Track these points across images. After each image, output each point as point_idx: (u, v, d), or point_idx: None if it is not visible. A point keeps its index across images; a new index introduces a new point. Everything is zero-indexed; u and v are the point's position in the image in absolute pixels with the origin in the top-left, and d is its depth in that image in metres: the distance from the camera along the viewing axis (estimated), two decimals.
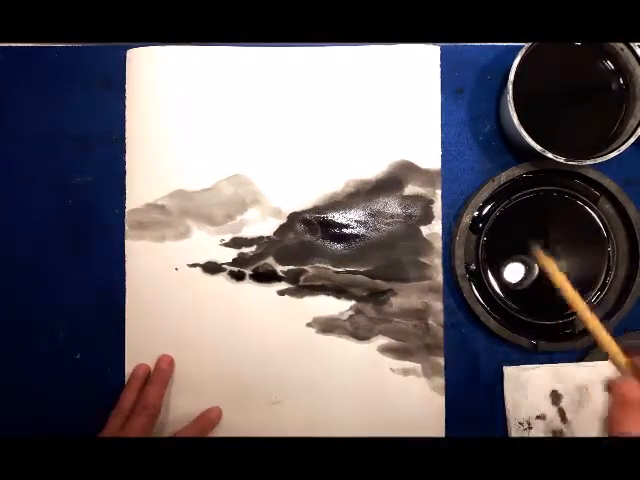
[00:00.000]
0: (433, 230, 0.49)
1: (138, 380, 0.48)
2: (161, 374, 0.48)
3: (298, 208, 0.50)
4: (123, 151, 0.50)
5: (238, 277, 0.49)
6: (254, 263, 0.50)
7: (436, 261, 0.49)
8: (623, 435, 0.32)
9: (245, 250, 0.50)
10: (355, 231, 0.50)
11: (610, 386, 0.34)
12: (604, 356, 0.49)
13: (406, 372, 0.49)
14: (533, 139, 0.44)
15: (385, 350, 0.49)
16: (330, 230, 0.50)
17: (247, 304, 0.49)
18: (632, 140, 0.44)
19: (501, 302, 0.48)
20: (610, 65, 0.47)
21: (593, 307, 0.48)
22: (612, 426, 0.34)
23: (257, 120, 0.50)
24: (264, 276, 0.49)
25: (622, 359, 0.35)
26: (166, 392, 0.49)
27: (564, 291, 0.40)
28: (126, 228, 0.49)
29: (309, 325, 0.49)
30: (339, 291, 0.49)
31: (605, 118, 0.47)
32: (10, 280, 0.50)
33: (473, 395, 0.49)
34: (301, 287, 0.49)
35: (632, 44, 0.44)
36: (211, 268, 0.49)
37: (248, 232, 0.50)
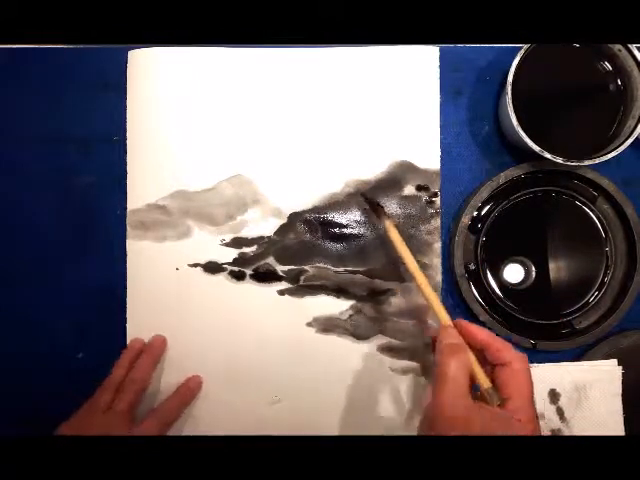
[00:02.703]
0: (432, 230, 0.50)
1: (133, 352, 0.48)
2: (152, 350, 0.49)
3: (298, 208, 0.50)
4: (124, 152, 0.50)
5: (239, 277, 0.50)
6: (254, 263, 0.50)
7: (435, 261, 0.49)
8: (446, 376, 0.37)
9: (246, 250, 0.50)
10: (355, 231, 0.50)
11: (435, 340, 0.41)
12: (603, 355, 0.49)
13: (405, 371, 0.49)
14: (532, 140, 0.44)
15: (385, 349, 0.49)
16: (330, 230, 0.50)
17: (247, 304, 0.50)
18: (630, 141, 0.44)
19: (500, 302, 0.49)
20: (608, 66, 0.47)
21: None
22: (440, 364, 0.38)
23: (257, 121, 0.50)
24: (264, 276, 0.50)
25: (444, 316, 0.41)
26: (165, 390, 0.49)
27: (404, 258, 0.44)
28: (127, 228, 0.50)
29: (309, 325, 0.50)
30: (339, 291, 0.50)
31: (603, 119, 0.47)
32: (12, 280, 0.50)
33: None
34: (301, 287, 0.50)
35: (630, 45, 0.45)
36: (212, 268, 0.50)
37: (248, 232, 0.50)
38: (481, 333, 0.40)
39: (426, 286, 0.42)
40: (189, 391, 0.49)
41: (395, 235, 0.45)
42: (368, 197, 0.49)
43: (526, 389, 0.37)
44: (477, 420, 0.36)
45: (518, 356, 0.38)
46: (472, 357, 0.39)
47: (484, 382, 0.38)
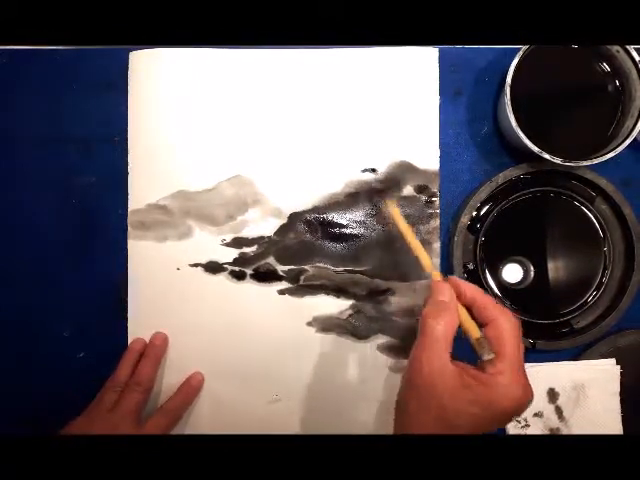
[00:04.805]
0: (431, 230, 0.50)
1: (134, 354, 0.49)
2: (155, 350, 0.49)
3: (298, 208, 0.50)
4: (125, 152, 0.50)
5: (239, 277, 0.50)
6: (255, 263, 0.50)
7: (434, 261, 0.50)
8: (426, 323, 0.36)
9: (246, 250, 0.50)
10: (354, 231, 0.50)
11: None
12: (601, 355, 0.49)
13: (405, 370, 0.49)
14: (530, 140, 0.44)
15: (384, 349, 0.50)
16: (330, 230, 0.50)
17: (248, 303, 0.50)
18: (628, 141, 0.44)
19: (499, 301, 0.49)
20: (606, 67, 0.47)
21: None
22: (424, 318, 0.37)
23: (258, 121, 0.50)
24: (265, 276, 0.50)
25: (437, 273, 0.40)
26: (167, 390, 0.49)
27: (405, 234, 0.43)
28: (128, 228, 0.50)
29: (309, 324, 0.50)
30: (339, 290, 0.50)
31: (601, 119, 0.47)
32: (14, 280, 0.51)
33: None
34: (301, 286, 0.50)
35: (628, 47, 0.45)
36: (212, 268, 0.50)
37: (249, 232, 0.50)
38: (470, 289, 0.38)
39: (419, 249, 0.42)
40: (192, 389, 0.49)
41: (396, 212, 0.46)
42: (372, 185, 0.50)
43: (510, 349, 0.35)
44: (454, 380, 0.35)
45: (503, 312, 0.36)
46: (463, 312, 0.37)
47: (474, 332, 0.36)
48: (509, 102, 0.44)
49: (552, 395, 0.50)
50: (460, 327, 0.37)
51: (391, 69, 0.50)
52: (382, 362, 0.50)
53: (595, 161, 0.44)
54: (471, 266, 0.49)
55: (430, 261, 0.41)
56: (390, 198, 0.49)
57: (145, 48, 0.50)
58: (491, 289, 0.49)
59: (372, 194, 0.50)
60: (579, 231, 0.49)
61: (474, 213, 0.49)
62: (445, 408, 0.34)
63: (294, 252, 0.50)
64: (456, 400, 0.34)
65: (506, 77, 0.44)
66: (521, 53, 0.44)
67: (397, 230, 0.45)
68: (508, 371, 0.34)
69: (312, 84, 0.50)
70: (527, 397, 0.35)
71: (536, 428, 0.50)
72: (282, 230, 0.50)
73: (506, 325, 0.36)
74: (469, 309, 0.38)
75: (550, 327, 0.49)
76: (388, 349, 0.50)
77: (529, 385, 0.35)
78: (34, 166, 0.51)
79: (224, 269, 0.50)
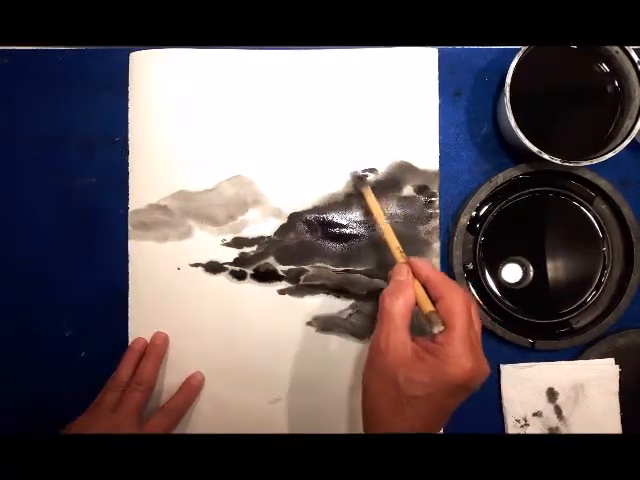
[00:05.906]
0: (431, 230, 0.50)
1: (135, 353, 0.49)
2: (156, 349, 0.49)
3: (298, 208, 0.50)
4: (126, 152, 0.50)
5: (239, 277, 0.50)
6: (255, 263, 0.50)
7: (434, 261, 0.50)
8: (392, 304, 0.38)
9: (246, 250, 0.50)
10: (354, 231, 0.50)
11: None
12: (600, 354, 0.50)
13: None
14: (530, 140, 0.44)
15: None
16: (330, 230, 0.50)
17: (248, 303, 0.50)
18: (627, 141, 0.44)
19: (498, 301, 0.49)
20: (605, 68, 0.47)
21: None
22: (382, 296, 0.39)
23: (258, 122, 0.50)
24: (265, 275, 0.50)
25: (399, 253, 0.42)
26: (168, 390, 0.49)
27: (374, 214, 0.46)
28: (129, 228, 0.50)
29: (309, 324, 0.50)
30: (339, 290, 0.50)
31: (601, 120, 0.47)
32: (16, 280, 0.51)
33: None
34: (301, 286, 0.50)
35: (627, 47, 0.45)
36: (213, 268, 0.50)
37: (249, 232, 0.50)
38: (425, 269, 0.40)
39: (388, 231, 0.44)
40: (192, 388, 0.49)
41: (371, 198, 0.47)
42: (352, 172, 0.50)
43: (459, 321, 0.36)
44: (408, 353, 0.37)
45: (454, 289, 0.38)
46: (419, 290, 0.39)
47: (426, 307, 0.38)
48: (508, 102, 0.44)
49: (551, 395, 0.50)
50: (417, 304, 0.39)
51: (391, 69, 0.50)
52: None
53: (594, 161, 0.44)
54: (471, 266, 0.49)
55: (396, 244, 0.43)
56: (365, 184, 0.48)
57: (145, 48, 0.50)
58: (490, 289, 0.49)
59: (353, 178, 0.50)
60: (578, 231, 0.49)
61: (474, 213, 0.49)
62: (399, 379, 0.36)
63: (294, 252, 0.50)
64: (409, 370, 0.36)
65: (506, 77, 0.44)
66: (521, 53, 0.44)
67: (369, 212, 0.48)
68: (457, 341, 0.36)
69: (312, 84, 0.50)
70: (479, 370, 0.36)
71: (535, 427, 0.50)
72: (282, 230, 0.50)
73: (456, 300, 0.37)
74: (425, 287, 0.40)
75: (549, 327, 0.49)
76: None
77: (483, 361, 0.37)
78: (34, 166, 0.51)
79: (224, 269, 0.50)
